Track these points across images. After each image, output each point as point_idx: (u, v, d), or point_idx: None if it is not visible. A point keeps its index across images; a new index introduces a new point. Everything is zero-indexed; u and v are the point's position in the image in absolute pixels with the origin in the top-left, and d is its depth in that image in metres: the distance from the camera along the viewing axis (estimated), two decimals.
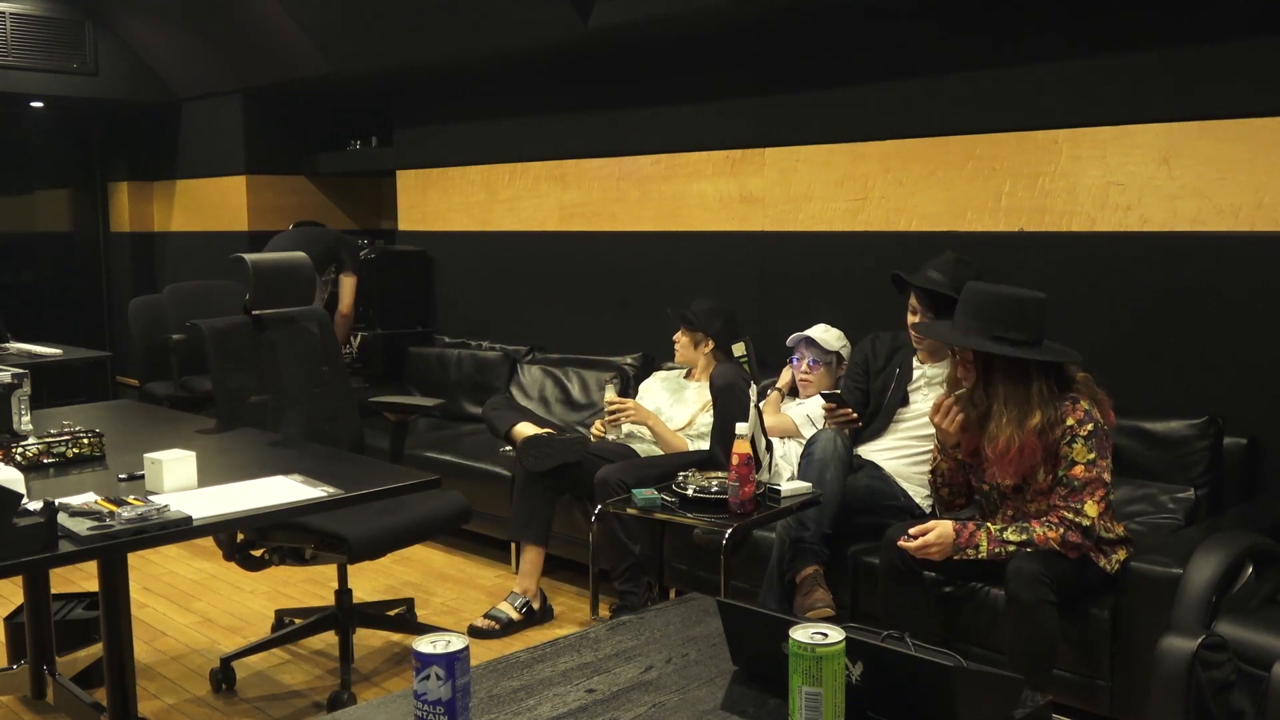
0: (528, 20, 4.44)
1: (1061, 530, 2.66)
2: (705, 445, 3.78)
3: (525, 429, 3.82)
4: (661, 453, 3.84)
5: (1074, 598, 2.77)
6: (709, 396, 3.80)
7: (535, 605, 3.70)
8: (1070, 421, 2.69)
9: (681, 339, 4.01)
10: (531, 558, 3.73)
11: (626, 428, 3.94)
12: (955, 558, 2.73)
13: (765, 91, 4.34)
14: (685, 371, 4.08)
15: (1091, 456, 2.67)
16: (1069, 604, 2.77)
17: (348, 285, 5.46)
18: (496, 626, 3.60)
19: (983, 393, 2.76)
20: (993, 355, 2.71)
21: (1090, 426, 2.68)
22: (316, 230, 5.78)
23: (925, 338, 3.35)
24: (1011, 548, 2.68)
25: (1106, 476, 2.69)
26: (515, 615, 3.64)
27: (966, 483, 2.94)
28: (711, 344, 3.94)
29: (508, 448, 4.06)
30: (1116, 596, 2.76)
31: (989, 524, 2.74)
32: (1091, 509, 2.66)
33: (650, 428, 3.86)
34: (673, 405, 3.99)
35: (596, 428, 4.05)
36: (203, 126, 6.81)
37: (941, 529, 2.72)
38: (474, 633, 3.58)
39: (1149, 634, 2.49)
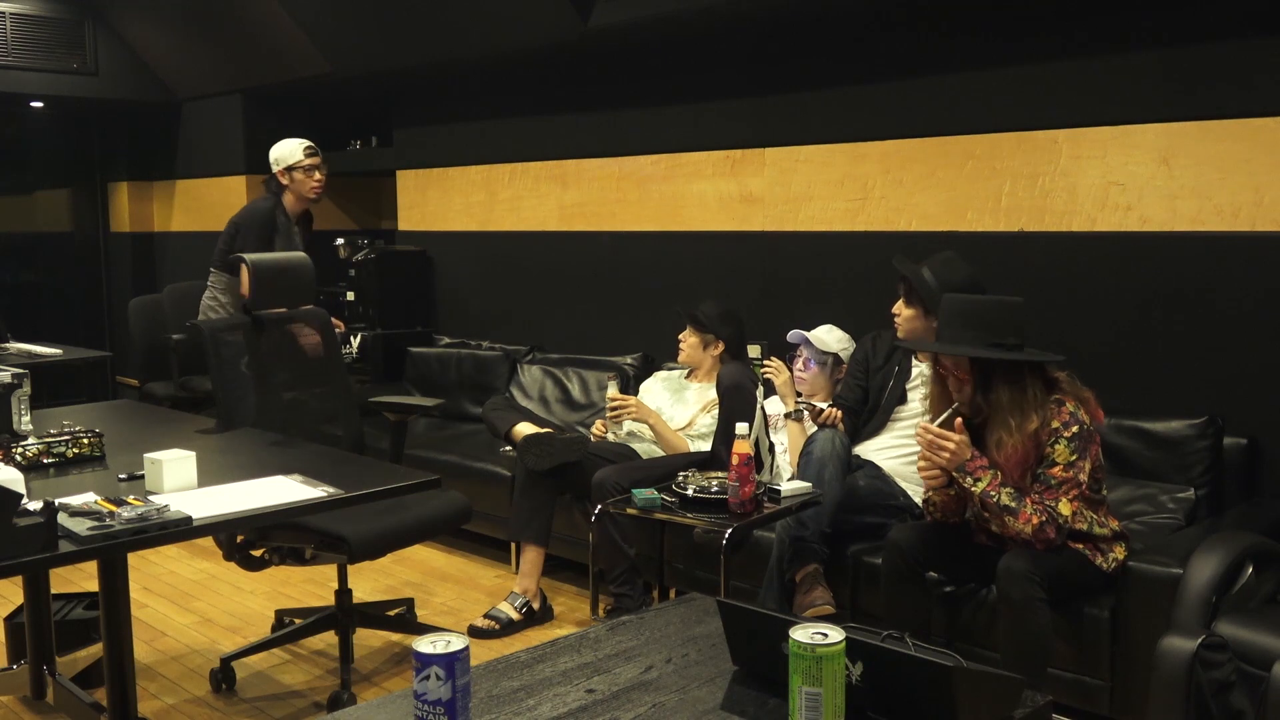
0: (528, 20, 4.44)
1: (1041, 519, 2.66)
2: (706, 446, 3.78)
3: (525, 429, 3.82)
4: (662, 453, 3.84)
5: (1071, 597, 2.77)
6: (710, 397, 3.80)
7: (535, 605, 3.70)
8: (1056, 424, 2.70)
9: (690, 339, 3.98)
10: (531, 558, 3.73)
11: (628, 425, 3.95)
12: (954, 474, 2.70)
13: (765, 91, 4.34)
14: (687, 372, 4.08)
15: (1073, 459, 2.68)
16: (1068, 603, 2.77)
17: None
18: (496, 626, 3.60)
19: (982, 401, 2.75)
20: (992, 363, 2.71)
21: (1075, 429, 2.68)
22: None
23: (903, 324, 3.40)
24: (1000, 503, 2.67)
25: (1082, 477, 2.70)
26: (515, 615, 3.64)
27: (961, 504, 2.93)
28: (722, 347, 3.94)
29: (508, 448, 4.06)
30: (1116, 596, 2.76)
31: (998, 471, 2.72)
32: (1065, 507, 2.67)
33: (651, 426, 3.86)
34: (674, 405, 3.99)
35: (598, 426, 4.05)
36: (203, 126, 6.81)
37: (963, 444, 2.69)
38: (474, 633, 3.58)
39: (1149, 634, 2.49)
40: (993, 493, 2.68)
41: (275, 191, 4.74)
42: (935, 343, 2.83)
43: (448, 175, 5.76)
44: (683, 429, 3.90)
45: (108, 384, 7.44)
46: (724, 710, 1.45)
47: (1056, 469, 2.68)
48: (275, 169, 4.71)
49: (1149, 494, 3.21)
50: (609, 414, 3.88)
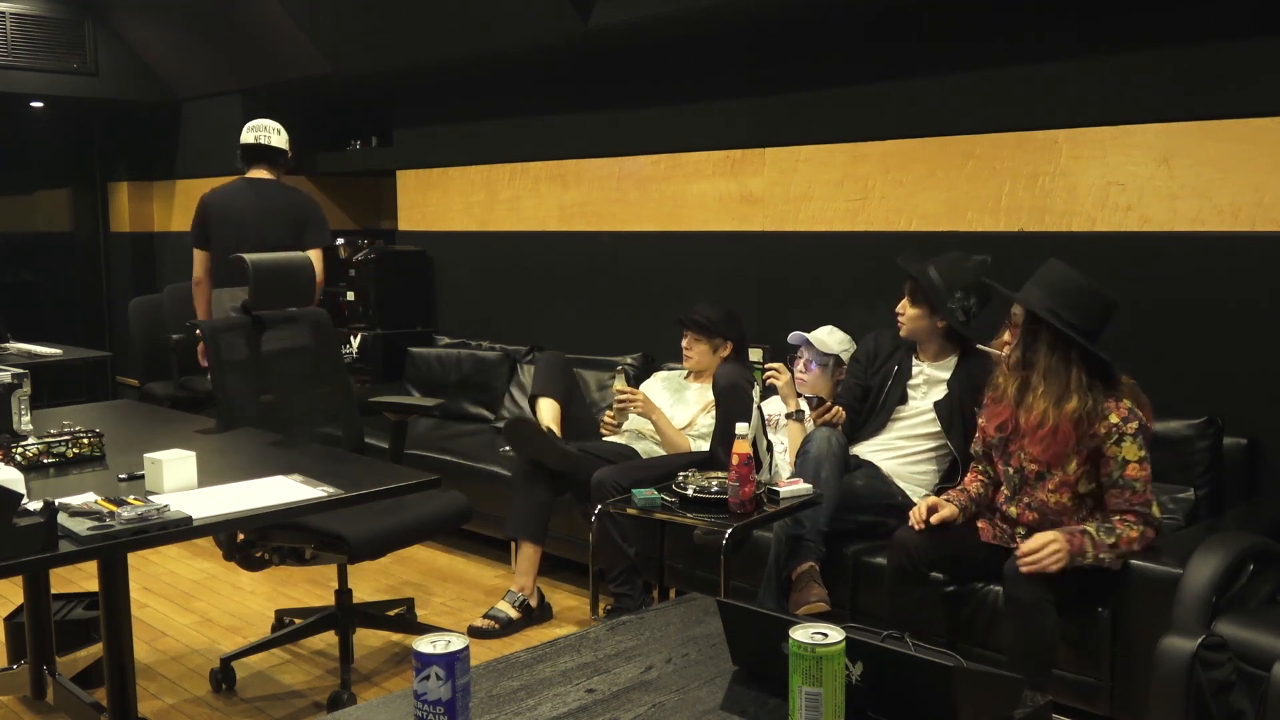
0: (528, 20, 4.44)
1: (1141, 528, 2.67)
2: (706, 446, 3.78)
3: (543, 406, 3.82)
4: (663, 453, 3.84)
5: (1074, 596, 2.77)
6: (711, 397, 3.80)
7: (533, 603, 3.70)
8: (1114, 419, 2.69)
9: (697, 346, 3.92)
10: (529, 555, 3.73)
11: (631, 421, 3.95)
12: (1074, 562, 2.66)
13: (765, 91, 4.34)
14: (687, 372, 4.08)
15: (1142, 454, 2.69)
16: (1069, 603, 2.77)
17: (315, 258, 4.45)
18: (496, 626, 3.60)
19: (1021, 358, 2.77)
20: (1039, 327, 2.74)
21: (1136, 424, 2.69)
22: (290, 196, 4.65)
23: (907, 323, 3.38)
24: (1107, 546, 2.66)
25: (1150, 471, 2.73)
26: (514, 614, 3.64)
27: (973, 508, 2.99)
28: (730, 347, 3.92)
29: (507, 449, 4.05)
30: (1116, 596, 2.76)
31: (1087, 528, 2.69)
32: (1156, 507, 2.70)
33: (654, 422, 3.85)
34: (674, 406, 3.99)
35: (607, 416, 4.04)
36: (203, 126, 6.81)
37: (1054, 537, 2.64)
38: (474, 633, 3.58)
39: (1149, 634, 2.49)
40: (1101, 555, 2.66)
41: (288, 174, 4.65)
42: (1013, 290, 2.86)
43: (448, 175, 5.76)
44: (684, 429, 3.90)
45: (108, 384, 7.44)
46: (724, 710, 1.45)
47: (1132, 468, 2.67)
48: (289, 152, 4.65)
49: None
50: (615, 406, 3.88)
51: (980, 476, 3.04)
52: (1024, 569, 2.64)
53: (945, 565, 2.95)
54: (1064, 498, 2.78)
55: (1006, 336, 2.86)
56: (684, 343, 3.96)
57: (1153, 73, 3.34)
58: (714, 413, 3.77)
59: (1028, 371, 2.77)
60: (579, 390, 4.18)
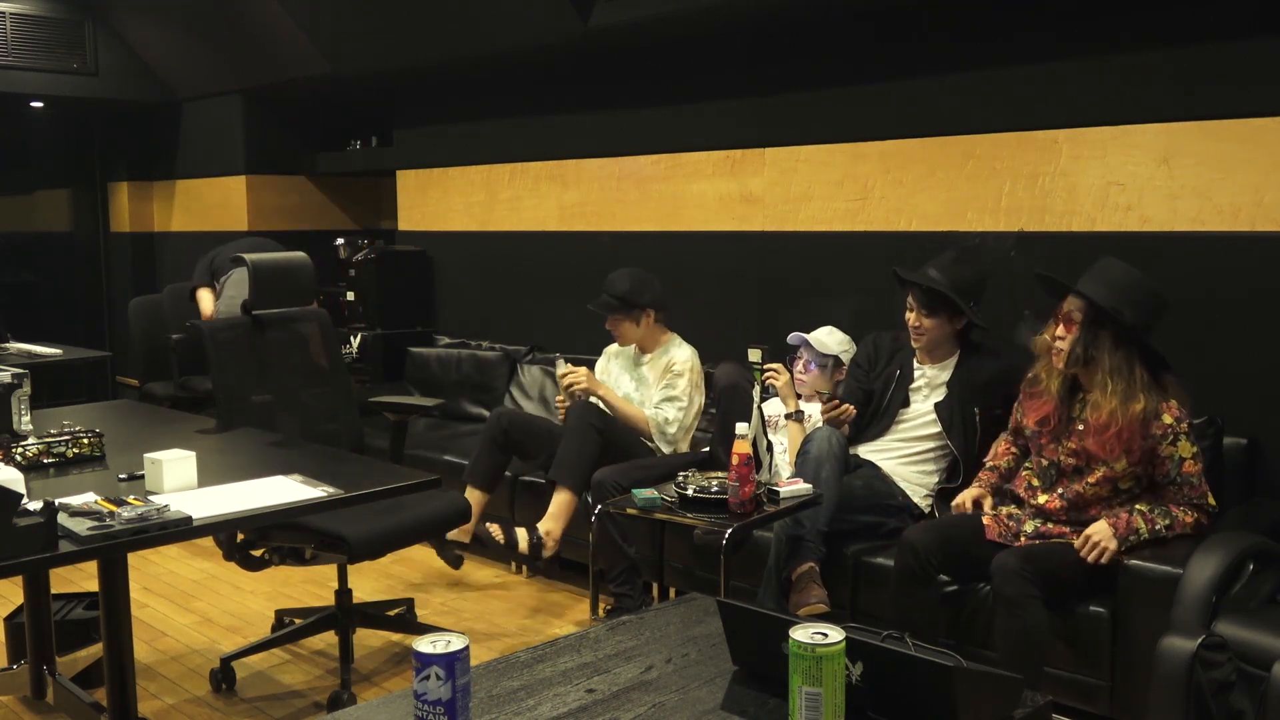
0: (528, 20, 4.44)
1: (1196, 515, 2.76)
2: (671, 411, 3.87)
3: (469, 496, 3.78)
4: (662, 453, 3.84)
5: (1073, 595, 2.77)
6: (663, 363, 3.90)
7: (548, 551, 3.63)
8: (1168, 419, 2.74)
9: (620, 326, 3.98)
10: (566, 502, 3.66)
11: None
12: (1123, 549, 2.74)
13: (765, 91, 4.34)
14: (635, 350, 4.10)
15: (1195, 450, 2.77)
16: (1065, 602, 2.77)
17: None
18: (500, 540, 3.54)
19: (1082, 353, 2.76)
20: (1103, 323, 2.74)
21: (1187, 424, 2.76)
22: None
23: (926, 334, 3.35)
24: (1160, 530, 2.75)
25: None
26: (523, 545, 3.57)
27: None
28: (652, 314, 3.95)
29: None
30: (1116, 596, 2.76)
31: (1136, 506, 2.78)
32: (1210, 495, 2.77)
33: (601, 398, 3.86)
34: (638, 390, 4.01)
35: (558, 401, 4.04)
36: (203, 126, 6.81)
37: (1100, 528, 2.74)
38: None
39: (1149, 634, 2.49)
40: (1157, 527, 2.74)
41: None
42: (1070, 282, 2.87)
43: (448, 175, 5.76)
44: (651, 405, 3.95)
45: (108, 384, 7.44)
46: (724, 710, 1.45)
47: (1188, 464, 2.76)
48: None
49: None
50: (562, 390, 3.89)
51: (1012, 449, 3.14)
52: (1092, 560, 2.73)
53: (954, 567, 2.95)
54: (1103, 490, 2.82)
55: (1060, 330, 2.84)
56: (607, 325, 4.00)
57: (1153, 73, 3.34)
58: (668, 378, 3.87)
59: (1088, 369, 2.78)
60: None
